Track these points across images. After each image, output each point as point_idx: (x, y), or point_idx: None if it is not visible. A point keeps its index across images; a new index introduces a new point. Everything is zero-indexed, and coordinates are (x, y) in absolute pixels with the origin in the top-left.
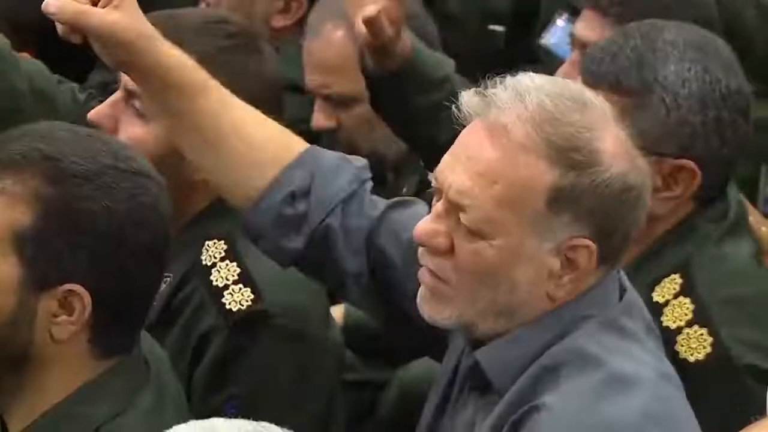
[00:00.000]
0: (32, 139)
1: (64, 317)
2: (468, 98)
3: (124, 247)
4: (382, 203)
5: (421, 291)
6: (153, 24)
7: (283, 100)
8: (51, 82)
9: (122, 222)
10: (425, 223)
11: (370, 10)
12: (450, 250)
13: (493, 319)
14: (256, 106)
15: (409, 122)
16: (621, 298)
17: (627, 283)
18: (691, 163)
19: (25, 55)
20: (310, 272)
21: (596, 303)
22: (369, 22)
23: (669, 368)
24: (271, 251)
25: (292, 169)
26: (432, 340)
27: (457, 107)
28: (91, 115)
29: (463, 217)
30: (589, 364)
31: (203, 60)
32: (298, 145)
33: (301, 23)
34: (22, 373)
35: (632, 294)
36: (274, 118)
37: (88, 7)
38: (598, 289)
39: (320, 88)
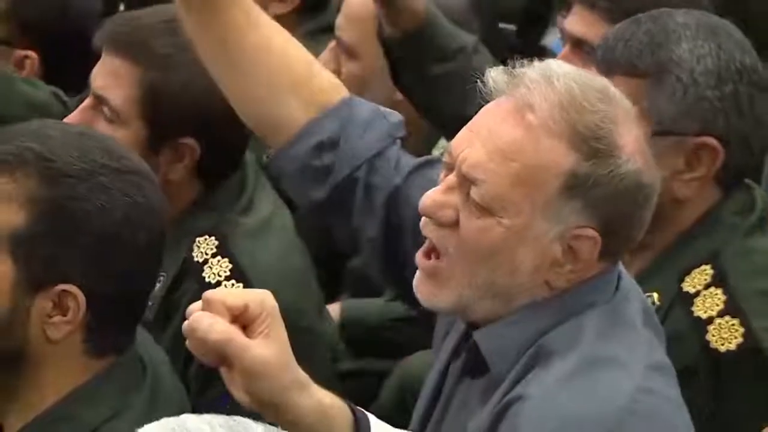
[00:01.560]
0: (24, 139)
1: (58, 317)
2: (496, 75)
3: (119, 247)
4: (408, 164)
5: (418, 275)
6: (116, 27)
7: None
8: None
9: (117, 222)
10: (434, 193)
11: None
12: (455, 224)
13: (490, 301)
14: (215, 101)
15: (426, 93)
16: (617, 285)
17: (622, 268)
18: (712, 140)
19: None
20: (326, 222)
21: (598, 291)
22: None
23: (661, 358)
24: (294, 194)
25: (323, 118)
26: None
27: (482, 82)
28: None
29: (474, 191)
30: (576, 352)
31: (165, 59)
32: (337, 92)
33: (298, 11)
34: (16, 373)
35: (630, 282)
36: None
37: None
38: (601, 277)
39: None
